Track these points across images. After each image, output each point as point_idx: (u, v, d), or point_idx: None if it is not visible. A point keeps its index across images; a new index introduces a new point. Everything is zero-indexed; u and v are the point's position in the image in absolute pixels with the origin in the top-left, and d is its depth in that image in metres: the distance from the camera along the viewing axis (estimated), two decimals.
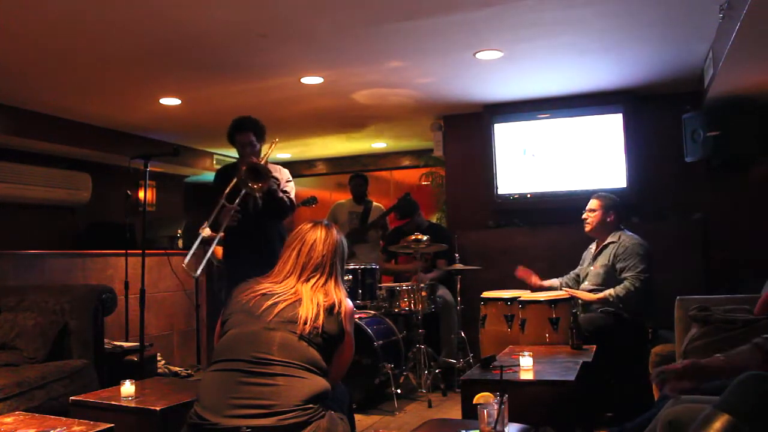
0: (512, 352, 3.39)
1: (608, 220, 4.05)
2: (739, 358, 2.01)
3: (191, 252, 3.72)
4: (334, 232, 2.29)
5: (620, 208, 4.10)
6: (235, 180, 3.75)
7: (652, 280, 3.89)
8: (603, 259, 3.99)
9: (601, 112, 5.20)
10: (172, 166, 6.62)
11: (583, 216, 4.13)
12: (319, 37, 3.75)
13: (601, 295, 3.88)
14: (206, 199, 4.02)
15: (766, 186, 4.68)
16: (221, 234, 3.82)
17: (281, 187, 3.92)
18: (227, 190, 3.75)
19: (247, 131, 3.89)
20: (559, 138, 5.30)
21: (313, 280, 2.18)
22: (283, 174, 4.03)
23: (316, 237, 2.25)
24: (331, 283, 2.19)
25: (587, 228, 4.11)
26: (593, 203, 4.12)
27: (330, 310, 2.12)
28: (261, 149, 3.94)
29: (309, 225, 2.30)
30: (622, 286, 3.82)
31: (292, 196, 4.01)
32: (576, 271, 4.28)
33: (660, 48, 4.11)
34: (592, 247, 4.18)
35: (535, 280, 4.27)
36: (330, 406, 2.02)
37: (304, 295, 2.12)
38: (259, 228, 3.86)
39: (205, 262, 3.77)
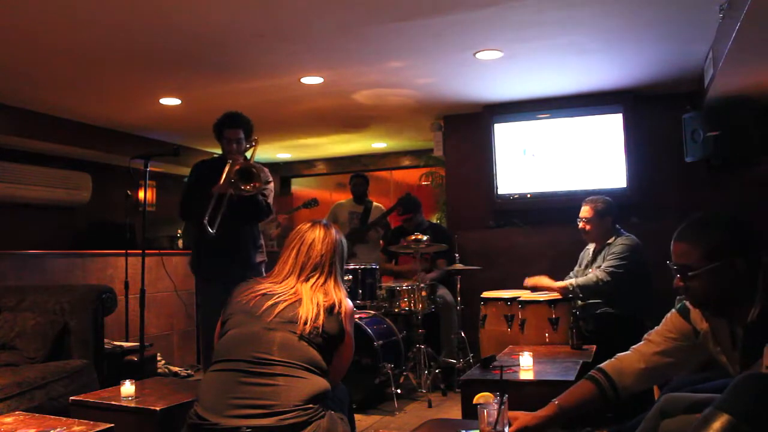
0: (512, 352, 3.39)
1: (605, 225, 4.01)
2: (573, 397, 1.97)
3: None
4: (333, 231, 2.29)
5: (615, 210, 4.05)
6: (224, 179, 3.64)
7: (643, 279, 3.89)
8: (599, 261, 4.00)
9: (601, 112, 5.20)
10: (172, 166, 6.61)
11: (580, 225, 4.06)
12: (319, 37, 3.75)
13: (563, 283, 3.90)
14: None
15: (766, 186, 4.67)
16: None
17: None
18: (222, 181, 3.64)
19: (237, 127, 3.80)
20: (559, 138, 5.30)
21: (312, 280, 2.18)
22: (264, 174, 3.88)
23: (315, 236, 2.25)
24: (331, 283, 2.19)
25: (586, 237, 4.08)
26: (586, 211, 4.03)
27: (330, 310, 2.12)
28: (245, 147, 3.85)
29: (308, 225, 2.30)
30: (585, 277, 3.87)
31: (270, 199, 3.88)
32: (573, 272, 4.29)
33: (660, 48, 4.11)
34: (590, 247, 4.19)
35: (546, 282, 4.03)
36: (330, 406, 2.02)
37: (304, 295, 2.12)
38: (232, 231, 3.74)
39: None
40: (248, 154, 3.86)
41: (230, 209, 3.69)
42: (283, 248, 2.29)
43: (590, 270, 4.05)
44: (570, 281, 3.91)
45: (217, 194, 3.64)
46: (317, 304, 2.10)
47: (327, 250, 2.23)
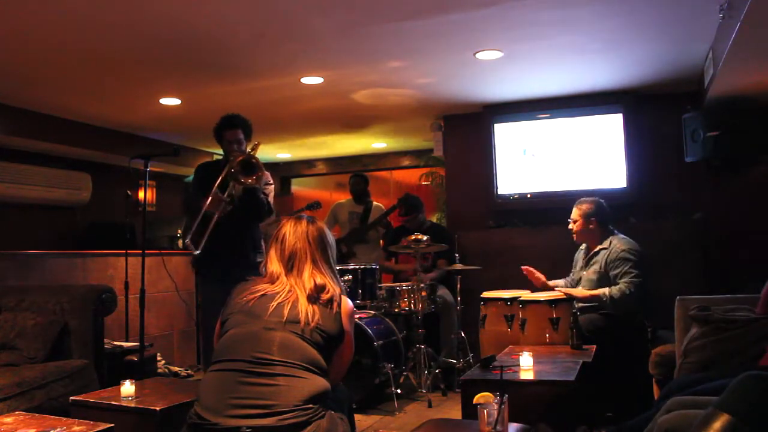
0: (512, 352, 3.39)
1: (590, 227, 4.07)
2: None
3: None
4: (305, 222, 2.27)
5: (602, 212, 4.08)
6: (225, 172, 3.67)
7: (645, 282, 3.90)
8: (596, 265, 4.00)
9: (601, 112, 5.20)
10: (172, 166, 6.61)
11: (569, 226, 4.17)
12: (319, 37, 3.75)
13: (596, 292, 3.91)
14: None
15: (766, 186, 4.67)
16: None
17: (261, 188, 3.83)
18: (219, 181, 3.67)
19: (236, 128, 3.85)
20: (559, 138, 5.30)
21: (300, 272, 2.17)
22: (264, 172, 3.90)
23: (286, 231, 2.25)
24: (318, 272, 2.18)
25: (574, 237, 4.18)
26: (573, 212, 4.14)
27: (328, 304, 2.12)
28: (246, 148, 3.88)
29: (282, 222, 2.31)
30: (617, 288, 3.85)
31: (270, 198, 3.94)
32: (570, 276, 4.30)
33: (660, 48, 4.11)
34: (582, 248, 4.21)
35: (538, 276, 4.24)
36: (330, 406, 2.02)
37: (299, 293, 2.12)
38: (234, 230, 3.79)
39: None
40: None
41: (230, 211, 3.72)
42: (267, 249, 2.29)
43: (584, 272, 4.07)
44: (604, 290, 3.87)
45: (204, 213, 3.66)
46: (314, 300, 2.11)
47: (300, 239, 2.22)
